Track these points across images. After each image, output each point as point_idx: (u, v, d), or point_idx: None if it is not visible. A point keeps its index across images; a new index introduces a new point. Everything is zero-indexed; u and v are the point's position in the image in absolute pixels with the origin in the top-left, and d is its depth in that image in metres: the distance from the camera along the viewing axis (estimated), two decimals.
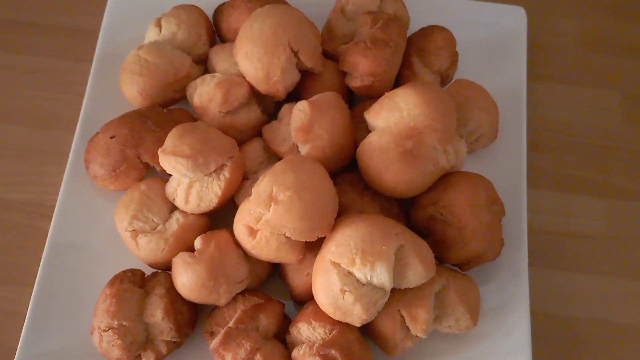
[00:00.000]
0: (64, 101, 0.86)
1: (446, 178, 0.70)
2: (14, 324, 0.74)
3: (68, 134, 0.81)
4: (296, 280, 0.69)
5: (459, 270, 0.70)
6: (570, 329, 0.75)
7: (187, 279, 0.65)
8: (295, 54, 0.71)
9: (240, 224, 0.65)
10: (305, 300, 0.69)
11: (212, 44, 0.81)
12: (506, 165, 0.78)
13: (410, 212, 0.72)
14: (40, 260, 0.73)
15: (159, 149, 0.68)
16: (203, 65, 0.80)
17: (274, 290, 0.71)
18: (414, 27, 0.81)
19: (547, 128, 0.85)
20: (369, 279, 0.61)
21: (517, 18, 0.86)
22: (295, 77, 0.73)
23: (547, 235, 0.79)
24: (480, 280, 0.71)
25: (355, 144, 0.72)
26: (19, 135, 0.84)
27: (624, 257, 0.79)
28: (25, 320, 0.69)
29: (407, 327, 0.65)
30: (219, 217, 0.72)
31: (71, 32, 0.91)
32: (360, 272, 0.61)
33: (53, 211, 0.75)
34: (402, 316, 0.65)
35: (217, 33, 0.83)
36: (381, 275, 0.61)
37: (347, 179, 0.72)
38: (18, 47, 0.90)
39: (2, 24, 0.91)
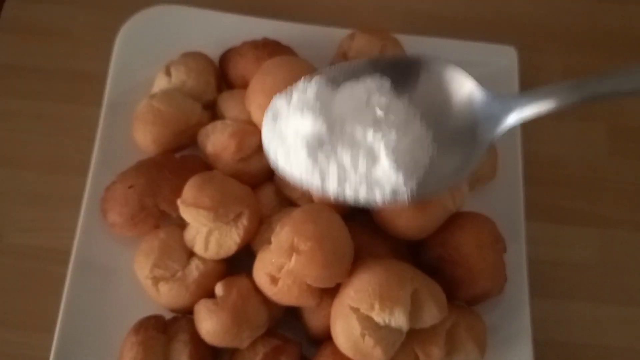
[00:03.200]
0: (71, 146, 0.87)
1: (453, 219, 0.74)
2: None
3: (77, 178, 0.83)
4: (313, 321, 0.72)
5: (466, 306, 0.74)
6: (570, 355, 0.80)
7: (211, 326, 0.68)
8: None
9: (261, 272, 0.68)
10: (321, 338, 0.72)
11: (219, 89, 0.84)
12: (504, 200, 0.82)
13: (419, 251, 0.75)
14: (56, 305, 0.74)
15: (179, 200, 0.70)
16: (211, 111, 0.83)
17: (287, 327, 0.74)
18: None
19: (539, 161, 0.90)
20: (387, 322, 0.65)
21: (508, 57, 0.90)
22: None
23: (542, 265, 0.83)
24: (484, 314, 0.75)
25: None
26: (28, 180, 0.85)
27: (615, 284, 0.84)
28: None
29: None
30: (234, 260, 0.74)
31: (74, 76, 0.91)
32: (379, 317, 0.64)
33: (67, 256, 0.76)
34: (416, 354, 0.68)
35: (224, 78, 0.85)
36: (399, 319, 0.64)
37: (358, 222, 0.75)
38: (21, 92, 0.90)
39: (4, 69, 0.91)
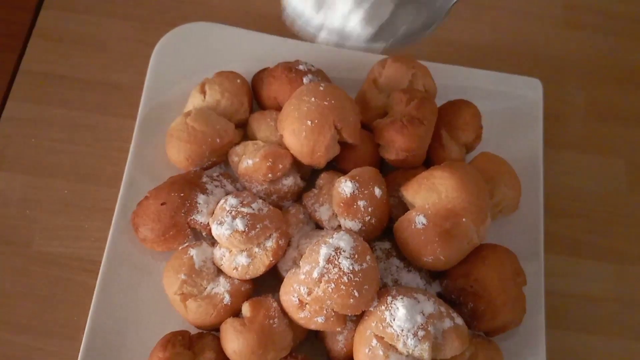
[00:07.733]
0: (101, 156, 0.89)
1: (476, 251, 0.75)
2: None
3: (108, 189, 0.85)
4: (335, 344, 0.73)
5: (485, 337, 0.76)
6: None
7: (238, 346, 0.69)
8: (338, 131, 0.76)
9: (289, 296, 0.70)
10: None
11: (251, 109, 0.86)
12: (524, 232, 0.84)
13: (441, 281, 0.77)
14: (83, 314, 0.76)
15: (211, 220, 0.72)
16: (242, 129, 0.84)
17: (307, 348, 0.76)
18: (438, 95, 0.87)
19: (558, 194, 0.91)
20: (410, 352, 0.66)
21: (534, 89, 0.92)
22: (336, 151, 0.78)
23: (558, 297, 0.85)
24: (500, 344, 0.76)
25: (389, 213, 0.78)
26: (59, 189, 0.86)
27: (630, 319, 0.85)
28: None
29: None
30: (258, 278, 0.76)
31: (107, 87, 0.93)
32: (404, 347, 0.66)
33: (95, 266, 0.79)
34: None
35: (256, 97, 0.87)
36: (423, 352, 0.66)
37: (383, 249, 0.77)
38: (55, 100, 0.92)
39: (38, 77, 0.93)
